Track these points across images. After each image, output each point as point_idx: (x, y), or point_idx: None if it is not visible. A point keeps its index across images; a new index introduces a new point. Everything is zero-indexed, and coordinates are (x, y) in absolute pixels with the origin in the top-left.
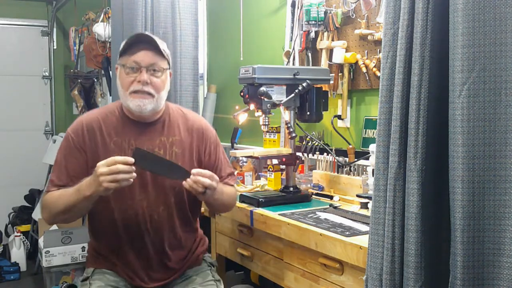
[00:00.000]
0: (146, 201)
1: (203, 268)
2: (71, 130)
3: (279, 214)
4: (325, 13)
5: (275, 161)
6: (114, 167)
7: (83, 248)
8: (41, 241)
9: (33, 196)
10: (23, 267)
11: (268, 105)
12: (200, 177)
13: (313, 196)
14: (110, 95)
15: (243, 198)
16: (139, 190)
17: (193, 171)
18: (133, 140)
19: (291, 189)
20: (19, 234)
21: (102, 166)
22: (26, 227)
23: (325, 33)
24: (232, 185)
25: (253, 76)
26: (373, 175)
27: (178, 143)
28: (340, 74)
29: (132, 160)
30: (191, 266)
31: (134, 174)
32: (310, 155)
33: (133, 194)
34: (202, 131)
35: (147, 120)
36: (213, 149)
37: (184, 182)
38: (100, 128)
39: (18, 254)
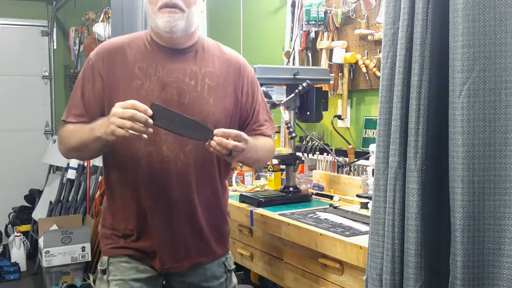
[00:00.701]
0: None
1: (219, 272)
2: (92, 53)
3: (279, 214)
4: (325, 13)
5: (275, 161)
6: (129, 111)
7: (83, 248)
8: (41, 241)
9: (33, 196)
10: (23, 267)
11: (268, 105)
12: (224, 139)
13: (313, 196)
14: None
15: (243, 198)
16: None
17: (216, 131)
18: (161, 67)
19: (291, 189)
20: (19, 234)
21: (117, 107)
22: (26, 227)
23: (325, 33)
24: (269, 136)
25: None
26: (373, 175)
27: (212, 75)
28: (340, 74)
29: (151, 112)
30: (206, 255)
31: (150, 130)
32: (310, 155)
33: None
34: (240, 66)
35: (178, 46)
36: (251, 88)
37: (206, 144)
38: (124, 52)
39: (18, 254)
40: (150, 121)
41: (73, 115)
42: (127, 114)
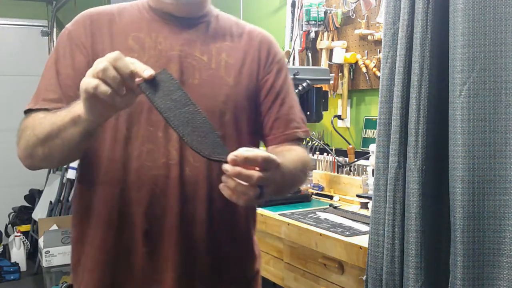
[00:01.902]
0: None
1: None
2: (70, 23)
3: (279, 214)
4: (325, 13)
5: None
6: (108, 63)
7: None
8: (41, 241)
9: (33, 196)
10: (23, 267)
11: None
12: (244, 170)
13: (313, 196)
14: None
15: None
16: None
17: (234, 156)
18: (163, 38)
19: None
20: (19, 234)
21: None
22: (26, 227)
23: (325, 33)
24: (302, 141)
25: None
26: (373, 175)
27: (230, 50)
28: (340, 74)
29: (149, 73)
30: None
31: (132, 97)
32: (310, 155)
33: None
34: (266, 42)
35: (185, 15)
36: (277, 71)
37: (221, 186)
38: (113, 20)
39: (18, 254)
40: (137, 80)
41: (43, 101)
42: (98, 67)
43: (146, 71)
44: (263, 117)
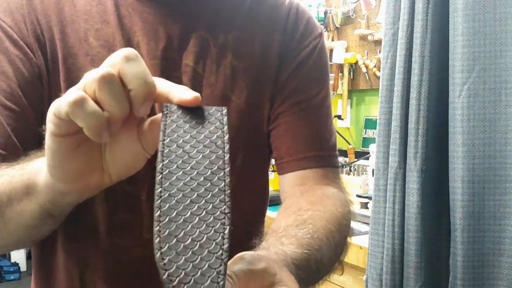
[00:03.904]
0: None
1: None
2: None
3: None
4: (325, 13)
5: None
6: (80, 88)
7: None
8: None
9: None
10: (23, 267)
11: None
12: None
13: None
14: None
15: None
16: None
17: (234, 273)
18: (139, 31)
19: None
20: None
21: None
22: None
23: (325, 33)
24: (338, 187)
25: None
26: (373, 175)
27: (239, 44)
28: (340, 74)
29: (193, 95)
30: None
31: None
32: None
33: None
34: (294, 13)
35: None
36: (307, 62)
37: None
38: (63, 9)
39: (18, 254)
40: (125, 105)
41: None
42: (102, 73)
43: (188, 92)
44: (272, 128)
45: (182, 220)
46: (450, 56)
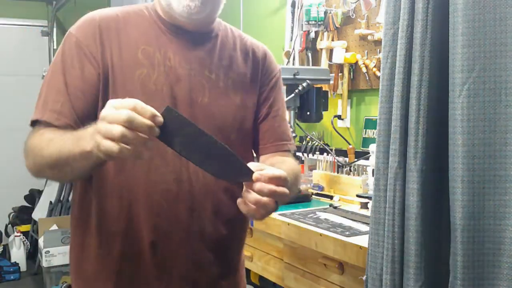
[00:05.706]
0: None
1: None
2: (76, 28)
3: (279, 214)
4: (325, 13)
5: None
6: (124, 113)
7: None
8: (41, 241)
9: (33, 196)
10: (23, 267)
11: None
12: (266, 185)
13: (313, 196)
14: None
15: None
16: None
17: (258, 175)
18: (172, 54)
19: None
20: (19, 234)
21: (110, 106)
22: (26, 227)
23: (325, 33)
24: (289, 154)
25: None
26: (373, 175)
27: (237, 66)
28: (340, 74)
29: (161, 119)
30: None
31: (150, 145)
32: (310, 155)
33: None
34: (266, 57)
35: (195, 29)
36: (275, 88)
37: (239, 201)
38: (120, 28)
39: (18, 254)
40: (156, 130)
41: (51, 112)
42: (121, 117)
43: (157, 118)
44: (257, 126)
45: (211, 159)
46: (450, 56)
